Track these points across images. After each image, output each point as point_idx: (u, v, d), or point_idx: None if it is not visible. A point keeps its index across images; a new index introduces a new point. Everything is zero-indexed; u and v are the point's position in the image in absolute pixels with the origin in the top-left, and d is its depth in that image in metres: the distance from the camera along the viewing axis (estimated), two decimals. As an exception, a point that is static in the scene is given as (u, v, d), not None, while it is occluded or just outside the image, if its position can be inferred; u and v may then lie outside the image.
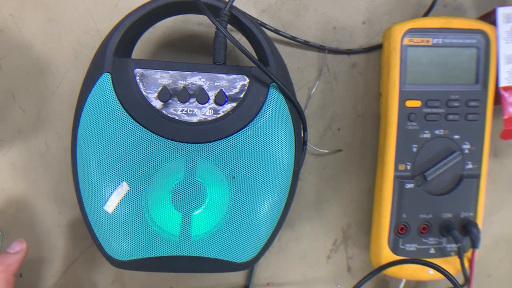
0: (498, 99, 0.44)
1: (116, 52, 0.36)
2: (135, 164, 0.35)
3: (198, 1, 0.35)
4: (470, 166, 0.44)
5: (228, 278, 0.47)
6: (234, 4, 0.37)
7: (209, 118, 0.36)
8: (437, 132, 0.43)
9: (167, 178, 0.35)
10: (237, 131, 0.36)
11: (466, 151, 0.44)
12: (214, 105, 0.36)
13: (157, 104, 0.35)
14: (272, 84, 0.37)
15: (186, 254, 0.36)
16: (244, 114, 0.36)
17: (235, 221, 0.36)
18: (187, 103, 0.36)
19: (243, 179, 0.36)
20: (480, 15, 0.47)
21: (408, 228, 0.44)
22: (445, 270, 0.42)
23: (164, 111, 0.35)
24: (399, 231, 0.44)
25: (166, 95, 0.35)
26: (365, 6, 0.47)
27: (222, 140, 0.35)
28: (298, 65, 0.47)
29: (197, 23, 0.46)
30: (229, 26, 0.39)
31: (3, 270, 0.37)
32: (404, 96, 0.43)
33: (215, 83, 0.36)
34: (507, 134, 0.44)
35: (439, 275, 0.44)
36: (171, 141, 0.35)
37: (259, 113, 0.36)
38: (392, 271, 0.44)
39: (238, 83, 0.36)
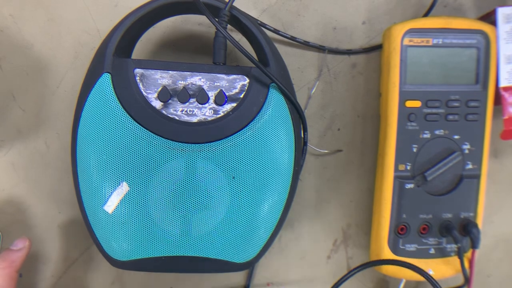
0: (498, 100, 0.44)
1: (116, 52, 0.36)
2: (135, 164, 0.35)
3: (198, 2, 0.35)
4: (470, 166, 0.44)
5: (228, 278, 0.47)
6: (234, 4, 0.37)
7: (209, 118, 0.36)
8: (437, 132, 0.43)
9: (167, 178, 0.35)
10: (237, 131, 0.36)
11: (466, 151, 0.44)
12: (214, 105, 0.36)
13: (157, 104, 0.35)
14: (272, 84, 0.37)
15: (186, 254, 0.36)
16: (244, 114, 0.36)
17: (235, 221, 0.36)
18: (187, 103, 0.36)
19: (243, 179, 0.36)
20: (480, 16, 0.47)
21: (408, 228, 0.44)
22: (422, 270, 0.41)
23: (164, 111, 0.35)
24: (399, 231, 0.44)
25: (166, 95, 0.35)
26: (365, 6, 0.47)
27: (222, 140, 0.35)
28: (298, 65, 0.47)
29: (197, 23, 0.46)
30: (229, 26, 0.39)
31: (6, 267, 0.38)
32: (404, 96, 0.43)
33: (215, 83, 0.36)
34: (507, 135, 0.44)
35: (439, 276, 0.44)
36: (171, 141, 0.35)
37: (259, 113, 0.36)
38: (392, 271, 0.44)
39: (238, 83, 0.36)
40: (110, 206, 0.35)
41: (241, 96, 0.36)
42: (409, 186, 0.43)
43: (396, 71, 0.42)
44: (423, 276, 0.41)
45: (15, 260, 0.38)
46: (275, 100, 0.37)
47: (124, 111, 0.35)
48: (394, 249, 0.44)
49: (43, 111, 0.45)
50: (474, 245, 0.43)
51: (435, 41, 0.43)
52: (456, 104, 0.43)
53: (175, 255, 0.36)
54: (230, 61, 0.46)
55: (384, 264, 0.43)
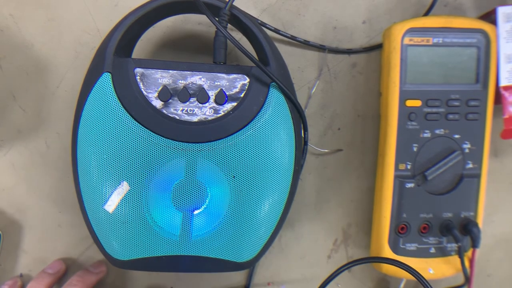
0: (499, 99, 0.44)
1: (116, 52, 0.36)
2: (136, 163, 0.35)
3: (198, 1, 0.35)
4: (470, 165, 0.44)
5: (228, 277, 0.47)
6: (234, 3, 0.37)
7: (210, 118, 0.36)
8: (437, 131, 0.43)
9: (168, 177, 0.35)
10: (237, 131, 0.36)
11: (467, 150, 0.44)
12: (214, 104, 0.36)
13: (158, 103, 0.35)
14: (272, 83, 0.37)
15: (186, 254, 0.36)
16: (244, 113, 0.36)
17: (236, 221, 0.36)
18: (188, 103, 0.36)
19: (243, 178, 0.36)
20: (480, 15, 0.47)
21: (409, 227, 0.44)
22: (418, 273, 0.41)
23: (164, 111, 0.35)
24: (400, 231, 0.44)
25: (166, 94, 0.35)
26: (365, 6, 0.47)
27: (222, 140, 0.35)
28: (298, 64, 0.47)
29: (197, 22, 0.46)
30: (229, 25, 0.39)
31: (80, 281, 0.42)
32: (404, 95, 0.43)
33: (216, 83, 0.36)
34: (507, 134, 0.44)
35: (439, 275, 0.44)
36: (171, 141, 0.35)
37: (259, 112, 0.36)
38: (392, 270, 0.44)
39: (238, 83, 0.36)
40: (111, 205, 0.35)
41: (242, 95, 0.36)
42: (410, 185, 0.43)
43: (396, 71, 0.42)
44: (415, 277, 0.41)
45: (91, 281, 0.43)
46: (275, 100, 0.37)
47: (125, 111, 0.35)
48: (395, 248, 0.44)
49: (43, 111, 0.45)
50: (475, 244, 0.43)
51: (435, 40, 0.43)
52: (456, 103, 0.43)
53: (175, 254, 0.36)
54: (230, 60, 0.46)
55: (378, 262, 0.43)
